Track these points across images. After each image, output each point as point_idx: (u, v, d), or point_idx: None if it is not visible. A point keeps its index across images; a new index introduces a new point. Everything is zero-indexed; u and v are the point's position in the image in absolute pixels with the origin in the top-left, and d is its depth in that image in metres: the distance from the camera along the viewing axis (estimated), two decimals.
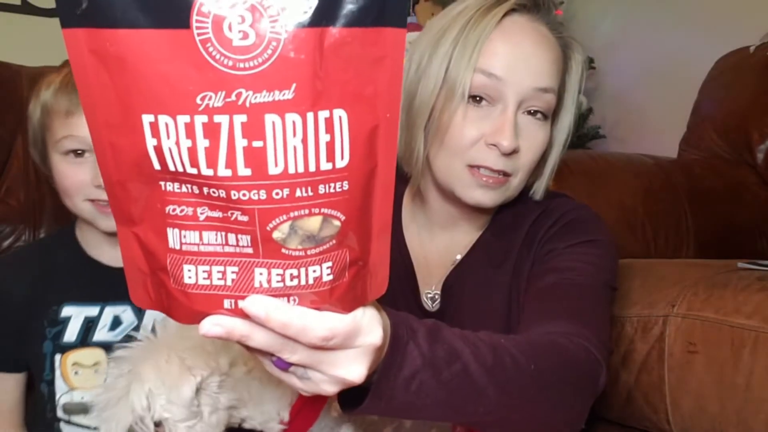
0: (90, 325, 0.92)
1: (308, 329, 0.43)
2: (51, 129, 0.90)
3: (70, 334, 0.91)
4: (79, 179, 0.88)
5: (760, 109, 1.60)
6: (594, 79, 2.40)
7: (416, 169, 0.84)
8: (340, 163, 0.41)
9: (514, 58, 0.78)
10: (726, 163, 1.64)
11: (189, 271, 0.43)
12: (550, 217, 0.86)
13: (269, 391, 0.69)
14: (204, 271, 0.43)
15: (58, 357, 0.91)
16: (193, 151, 0.39)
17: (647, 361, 0.93)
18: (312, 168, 0.40)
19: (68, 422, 0.91)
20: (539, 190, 0.87)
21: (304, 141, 0.40)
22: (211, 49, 0.38)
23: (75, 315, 0.92)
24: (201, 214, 0.42)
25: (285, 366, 0.47)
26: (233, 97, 0.38)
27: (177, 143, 0.39)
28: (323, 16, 0.39)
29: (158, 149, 0.40)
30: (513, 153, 0.79)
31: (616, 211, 1.37)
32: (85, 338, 0.91)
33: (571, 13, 2.42)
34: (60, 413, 0.91)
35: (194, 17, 0.38)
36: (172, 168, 0.40)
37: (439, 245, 0.90)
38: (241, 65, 0.38)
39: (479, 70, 0.77)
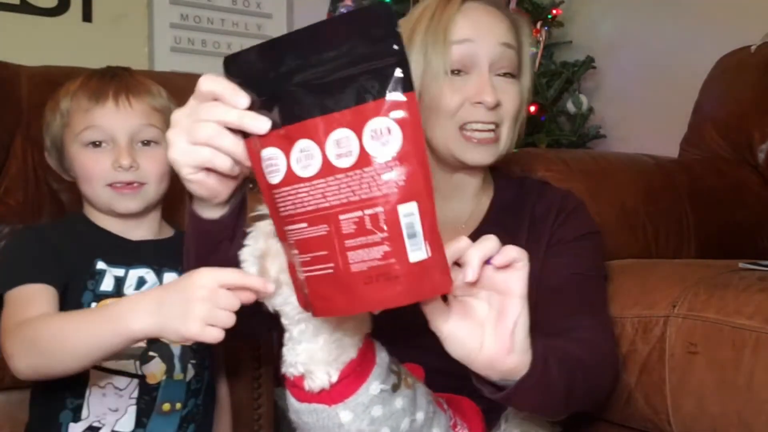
0: (119, 282, 1.00)
1: None
2: (71, 126, 1.00)
3: (106, 285, 1.00)
4: (100, 166, 0.98)
5: (761, 109, 1.59)
6: (594, 78, 2.39)
7: None
8: None
9: (479, 24, 0.95)
10: (727, 163, 1.63)
11: None
12: (549, 202, 1.00)
13: (332, 346, 0.70)
14: None
15: (94, 305, 0.98)
16: None
17: (648, 362, 0.93)
18: None
19: (95, 367, 0.95)
20: (513, 143, 1.00)
21: None
22: None
23: (107, 271, 1.00)
24: None
25: None
26: None
27: None
28: None
29: None
30: (496, 107, 0.93)
31: (616, 211, 1.36)
32: (117, 292, 1.00)
33: (571, 13, 2.41)
34: None
35: None
36: None
37: (447, 215, 0.95)
38: None
39: (452, 43, 0.93)
